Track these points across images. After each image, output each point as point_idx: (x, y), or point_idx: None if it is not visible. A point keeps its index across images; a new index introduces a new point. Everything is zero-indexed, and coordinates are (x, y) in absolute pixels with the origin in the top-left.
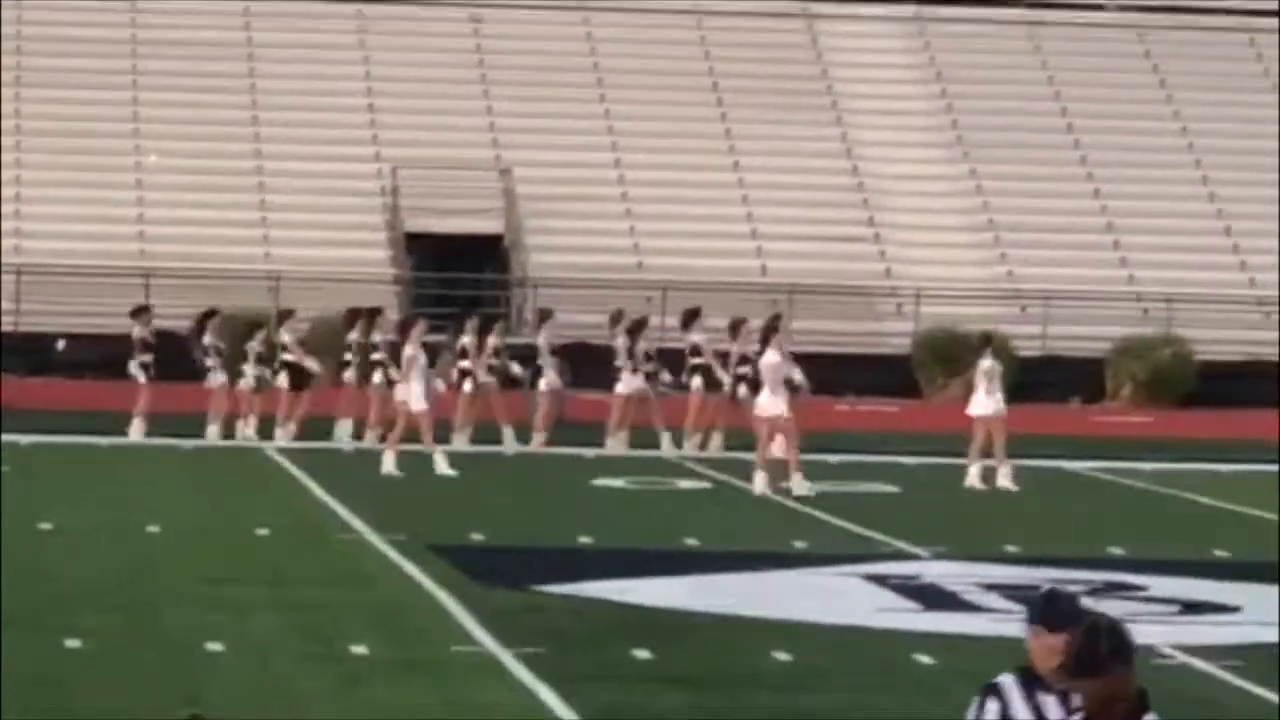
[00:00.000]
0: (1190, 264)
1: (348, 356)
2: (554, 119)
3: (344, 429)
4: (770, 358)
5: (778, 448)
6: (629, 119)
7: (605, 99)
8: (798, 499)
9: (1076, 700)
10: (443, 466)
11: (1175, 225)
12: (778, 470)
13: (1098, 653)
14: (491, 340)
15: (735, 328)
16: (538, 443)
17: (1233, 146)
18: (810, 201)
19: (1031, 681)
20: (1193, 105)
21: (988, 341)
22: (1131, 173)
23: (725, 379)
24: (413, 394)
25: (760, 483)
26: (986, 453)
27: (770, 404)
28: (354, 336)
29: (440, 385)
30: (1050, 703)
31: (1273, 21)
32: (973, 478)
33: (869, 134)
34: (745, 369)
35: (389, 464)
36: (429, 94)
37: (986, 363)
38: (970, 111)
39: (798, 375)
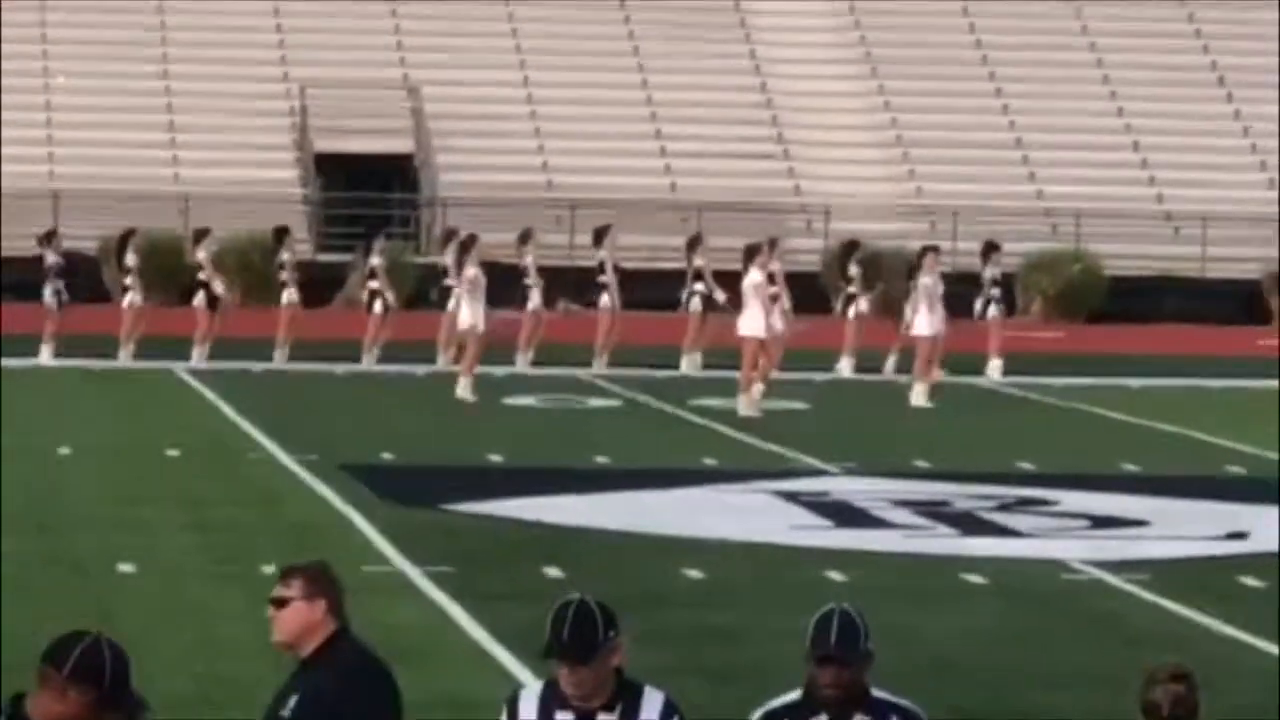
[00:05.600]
0: (1098, 179)
1: (283, 276)
2: (462, 38)
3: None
4: (754, 276)
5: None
6: (537, 37)
7: (513, 17)
8: (743, 419)
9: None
10: (463, 390)
11: (1083, 140)
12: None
13: None
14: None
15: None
16: (444, 361)
17: (1141, 61)
18: (719, 119)
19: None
20: (1101, 20)
21: (924, 255)
22: (1040, 88)
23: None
24: (471, 315)
25: (744, 404)
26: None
27: (753, 323)
28: (285, 256)
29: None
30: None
31: None
32: (918, 397)
33: (777, 50)
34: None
35: (463, 389)
36: (337, 13)
37: (927, 279)
38: (878, 28)
39: (719, 294)
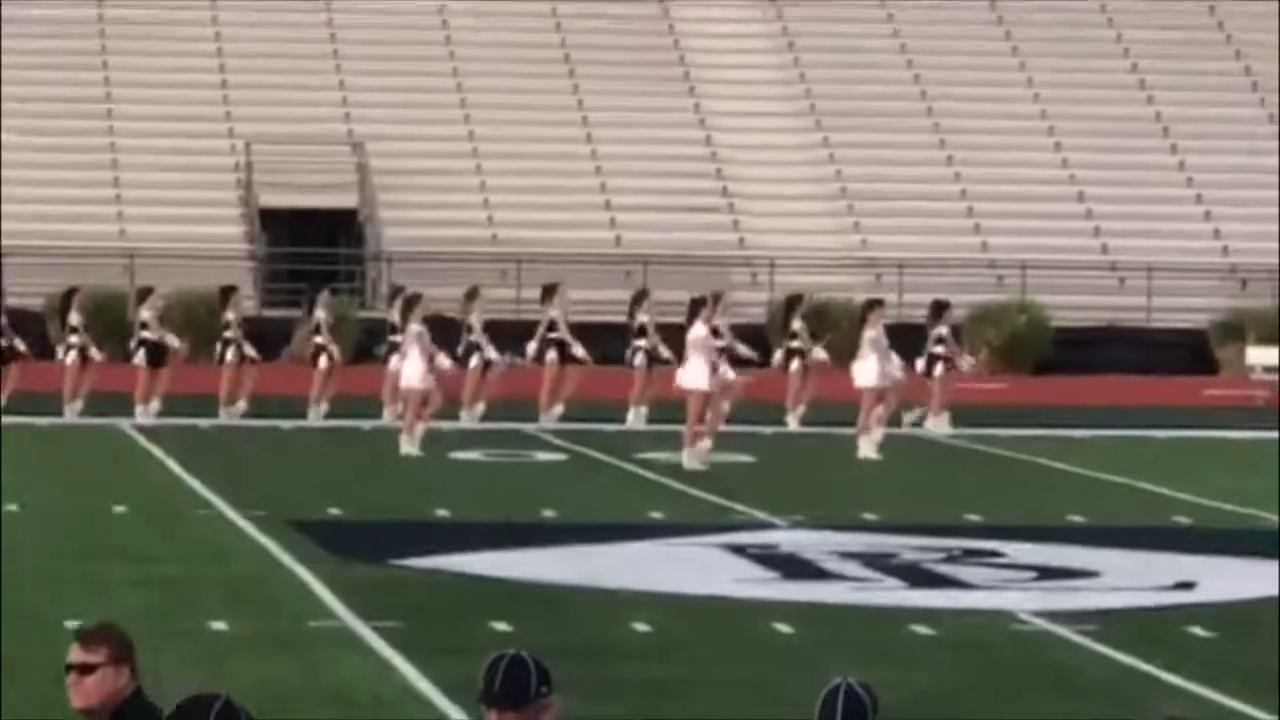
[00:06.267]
0: (1044, 230)
1: (228, 335)
2: (407, 93)
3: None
4: (699, 330)
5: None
6: (482, 91)
7: (458, 72)
8: (688, 470)
9: None
10: (406, 446)
11: (1028, 192)
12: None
13: None
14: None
15: (638, 299)
16: (390, 416)
17: (1084, 113)
18: (664, 172)
19: None
20: (1044, 71)
21: (869, 309)
22: (984, 139)
23: (580, 352)
24: (414, 372)
25: (689, 457)
26: (879, 422)
27: (696, 376)
28: (230, 315)
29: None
30: None
31: None
32: (865, 448)
33: (722, 104)
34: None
35: (406, 445)
36: (282, 69)
37: (871, 332)
38: (823, 80)
39: (664, 351)
